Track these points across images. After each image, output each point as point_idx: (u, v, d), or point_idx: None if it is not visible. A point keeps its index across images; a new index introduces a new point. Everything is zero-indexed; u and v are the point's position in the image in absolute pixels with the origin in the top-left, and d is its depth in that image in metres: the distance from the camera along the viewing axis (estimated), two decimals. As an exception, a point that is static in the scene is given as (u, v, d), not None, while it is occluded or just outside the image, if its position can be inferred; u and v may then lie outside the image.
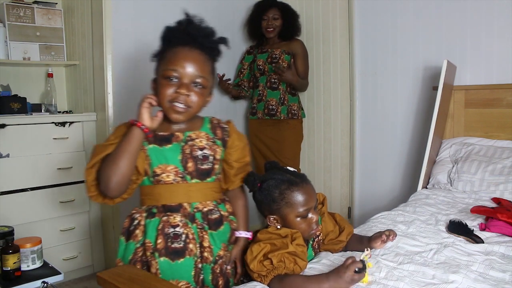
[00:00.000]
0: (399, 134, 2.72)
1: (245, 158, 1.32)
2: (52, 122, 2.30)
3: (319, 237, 1.33)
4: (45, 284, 1.59)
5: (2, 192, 2.14)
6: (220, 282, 1.23)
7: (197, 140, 1.23)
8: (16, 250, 1.58)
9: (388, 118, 2.77)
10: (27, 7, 2.43)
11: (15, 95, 2.34)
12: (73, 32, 2.58)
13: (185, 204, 1.20)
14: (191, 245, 1.18)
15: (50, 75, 2.53)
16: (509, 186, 1.95)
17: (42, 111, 2.48)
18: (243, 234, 1.30)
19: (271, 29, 2.79)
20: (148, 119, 1.14)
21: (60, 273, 1.66)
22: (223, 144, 1.27)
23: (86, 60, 2.50)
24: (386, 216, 1.73)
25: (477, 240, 1.41)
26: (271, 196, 1.21)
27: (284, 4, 2.85)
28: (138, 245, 1.20)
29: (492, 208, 1.69)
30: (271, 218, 1.23)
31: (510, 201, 1.84)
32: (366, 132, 2.87)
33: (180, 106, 1.17)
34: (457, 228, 1.51)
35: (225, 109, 3.02)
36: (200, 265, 1.19)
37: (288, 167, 1.28)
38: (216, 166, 1.25)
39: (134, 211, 1.25)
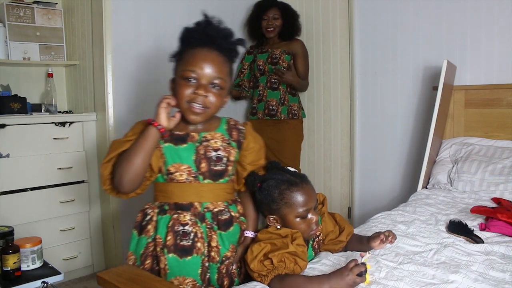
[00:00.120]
0: (399, 134, 2.72)
1: (260, 161, 1.32)
2: (52, 122, 2.30)
3: (319, 237, 1.33)
4: (45, 284, 1.58)
5: (2, 192, 2.14)
6: (226, 282, 1.23)
7: (212, 141, 1.24)
8: (16, 250, 1.58)
9: (388, 118, 2.77)
10: (27, 7, 2.43)
11: (15, 95, 2.34)
12: (73, 32, 2.58)
13: (196, 204, 1.22)
14: (199, 244, 1.19)
15: (50, 75, 2.53)
16: (509, 186, 1.95)
17: (42, 111, 2.48)
18: (249, 234, 1.31)
19: (271, 29, 2.78)
20: (165, 119, 1.16)
21: (60, 273, 1.66)
22: (238, 146, 1.28)
23: (86, 60, 2.50)
24: (386, 216, 1.73)
25: (477, 240, 1.41)
26: (270, 196, 1.21)
27: (284, 4, 2.85)
28: (149, 240, 1.22)
29: (492, 208, 1.69)
30: (271, 218, 1.23)
31: (510, 201, 1.84)
32: (366, 132, 2.87)
33: (198, 106, 1.18)
34: (457, 228, 1.51)
35: (225, 109, 2.99)
36: (207, 264, 1.21)
37: (289, 168, 1.28)
38: (230, 168, 1.26)
39: (147, 206, 1.28)
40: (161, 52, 2.60)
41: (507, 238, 1.45)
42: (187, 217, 1.20)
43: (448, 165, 2.23)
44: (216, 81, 1.18)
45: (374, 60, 2.79)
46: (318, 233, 1.31)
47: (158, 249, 1.20)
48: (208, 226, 1.22)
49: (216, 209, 1.23)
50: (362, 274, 1.03)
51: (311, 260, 1.27)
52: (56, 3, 2.60)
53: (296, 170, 1.29)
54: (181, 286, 1.19)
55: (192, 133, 1.24)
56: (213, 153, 1.22)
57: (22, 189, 2.21)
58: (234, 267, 1.26)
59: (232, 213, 1.27)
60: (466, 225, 1.52)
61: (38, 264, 1.69)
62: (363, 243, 1.31)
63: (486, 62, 2.36)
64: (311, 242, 1.30)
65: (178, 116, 1.21)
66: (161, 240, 1.20)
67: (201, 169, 1.22)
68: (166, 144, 1.22)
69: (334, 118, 2.97)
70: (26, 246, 1.65)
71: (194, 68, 1.17)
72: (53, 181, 2.31)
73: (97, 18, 2.37)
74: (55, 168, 2.31)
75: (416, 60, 2.60)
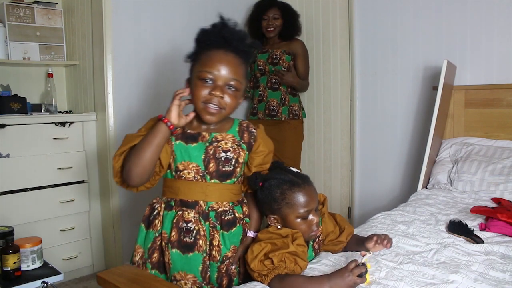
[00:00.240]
0: (399, 134, 2.72)
1: (266, 165, 1.33)
2: (52, 122, 2.30)
3: (320, 238, 1.33)
4: (45, 284, 1.58)
5: (2, 192, 2.14)
6: (225, 281, 1.25)
7: (222, 142, 1.26)
8: (16, 250, 1.58)
9: (388, 118, 2.77)
10: (27, 7, 2.42)
11: (15, 95, 2.34)
12: (73, 32, 2.58)
13: (201, 202, 1.24)
14: (201, 242, 1.21)
15: (50, 75, 2.53)
16: (509, 186, 1.95)
17: (42, 111, 2.48)
18: (250, 233, 1.32)
19: (271, 29, 2.78)
20: (176, 117, 1.18)
21: (60, 273, 1.66)
22: (248, 148, 1.29)
23: (86, 60, 2.50)
24: (386, 216, 1.73)
25: (477, 240, 1.41)
26: (272, 195, 1.21)
27: (284, 3, 2.84)
28: (156, 235, 1.26)
29: (492, 208, 1.69)
30: (272, 218, 1.24)
31: (510, 201, 1.84)
32: (366, 132, 2.87)
33: (213, 107, 1.20)
34: (457, 228, 1.51)
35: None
36: (208, 262, 1.23)
37: (292, 168, 1.29)
38: (238, 169, 1.27)
39: (155, 201, 1.31)
40: (161, 52, 2.60)
41: (507, 238, 1.45)
42: (191, 214, 1.22)
43: (448, 165, 2.23)
44: (232, 83, 1.20)
45: (374, 60, 2.79)
46: (318, 234, 1.31)
47: (163, 243, 1.24)
48: (211, 225, 1.24)
49: (220, 209, 1.25)
50: (362, 275, 1.03)
51: (311, 260, 1.27)
52: (56, 3, 2.60)
53: (299, 171, 1.29)
54: (182, 281, 1.22)
55: (204, 133, 1.26)
56: (222, 154, 1.24)
57: (22, 189, 2.21)
58: (233, 267, 1.27)
59: (236, 214, 1.28)
60: (466, 225, 1.52)
61: (38, 264, 1.69)
62: (360, 245, 1.31)
63: (486, 62, 2.36)
64: (311, 243, 1.30)
65: (191, 116, 1.24)
66: (166, 235, 1.23)
67: (209, 168, 1.24)
68: (177, 142, 1.25)
69: (334, 118, 2.97)
70: (26, 246, 1.65)
71: (211, 70, 1.19)
72: (53, 181, 2.31)
73: (97, 18, 2.36)
74: (55, 168, 2.31)
75: (416, 60, 2.61)
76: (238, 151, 1.27)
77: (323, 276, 1.07)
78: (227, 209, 1.26)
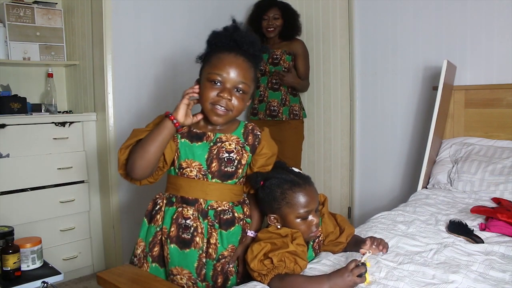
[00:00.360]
0: (399, 134, 2.72)
1: (268, 167, 1.34)
2: (52, 122, 2.30)
3: (320, 238, 1.33)
4: (45, 284, 1.58)
5: (2, 192, 2.14)
6: (220, 280, 1.26)
7: (226, 143, 1.27)
8: (16, 250, 1.58)
9: (388, 118, 2.77)
10: (27, 7, 2.42)
11: (15, 95, 2.34)
12: (73, 32, 2.58)
13: (201, 200, 1.26)
14: (197, 239, 1.23)
15: (50, 75, 2.53)
16: (509, 186, 1.95)
17: (42, 111, 2.48)
18: (250, 233, 1.32)
19: (271, 29, 2.78)
20: (183, 115, 1.21)
21: (60, 273, 1.66)
22: (252, 150, 1.30)
23: (86, 60, 2.50)
24: (386, 216, 1.73)
25: (477, 240, 1.41)
26: (272, 194, 1.22)
27: (285, 3, 2.84)
28: (158, 229, 1.28)
29: (492, 208, 1.69)
30: (272, 217, 1.24)
31: (510, 201, 1.84)
32: (366, 132, 2.87)
33: (221, 109, 1.22)
34: (457, 228, 1.51)
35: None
36: (204, 259, 1.24)
37: (293, 168, 1.29)
38: (240, 170, 1.29)
39: (157, 196, 1.33)
40: (161, 52, 2.60)
41: (507, 238, 1.45)
42: (190, 211, 1.24)
43: (448, 165, 2.23)
44: (240, 86, 1.23)
45: (374, 60, 2.79)
46: (318, 234, 1.31)
47: (163, 238, 1.26)
48: (210, 224, 1.25)
49: (219, 208, 1.26)
50: (362, 275, 1.03)
51: (311, 260, 1.27)
52: (56, 3, 2.60)
53: (301, 171, 1.29)
54: (178, 276, 1.24)
55: (209, 133, 1.28)
56: (226, 155, 1.26)
57: (22, 189, 2.21)
58: (230, 265, 1.27)
59: (236, 214, 1.28)
60: (466, 225, 1.52)
61: (38, 264, 1.69)
62: (358, 247, 1.31)
63: (486, 62, 2.36)
64: (311, 243, 1.30)
65: (198, 117, 1.27)
66: (166, 230, 1.25)
67: (211, 168, 1.25)
68: (183, 140, 1.27)
69: (334, 118, 2.97)
70: (26, 246, 1.65)
71: (220, 72, 1.21)
72: (53, 181, 2.31)
73: (97, 18, 2.37)
74: (55, 168, 2.31)
75: (416, 60, 2.61)
76: (241, 152, 1.28)
77: (323, 276, 1.07)
78: (227, 208, 1.27)
